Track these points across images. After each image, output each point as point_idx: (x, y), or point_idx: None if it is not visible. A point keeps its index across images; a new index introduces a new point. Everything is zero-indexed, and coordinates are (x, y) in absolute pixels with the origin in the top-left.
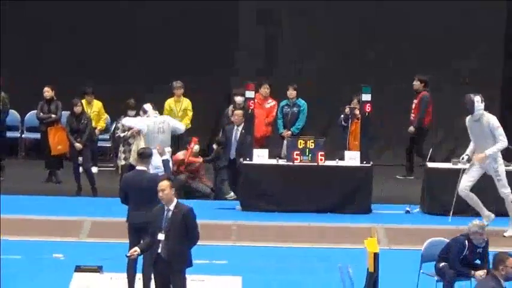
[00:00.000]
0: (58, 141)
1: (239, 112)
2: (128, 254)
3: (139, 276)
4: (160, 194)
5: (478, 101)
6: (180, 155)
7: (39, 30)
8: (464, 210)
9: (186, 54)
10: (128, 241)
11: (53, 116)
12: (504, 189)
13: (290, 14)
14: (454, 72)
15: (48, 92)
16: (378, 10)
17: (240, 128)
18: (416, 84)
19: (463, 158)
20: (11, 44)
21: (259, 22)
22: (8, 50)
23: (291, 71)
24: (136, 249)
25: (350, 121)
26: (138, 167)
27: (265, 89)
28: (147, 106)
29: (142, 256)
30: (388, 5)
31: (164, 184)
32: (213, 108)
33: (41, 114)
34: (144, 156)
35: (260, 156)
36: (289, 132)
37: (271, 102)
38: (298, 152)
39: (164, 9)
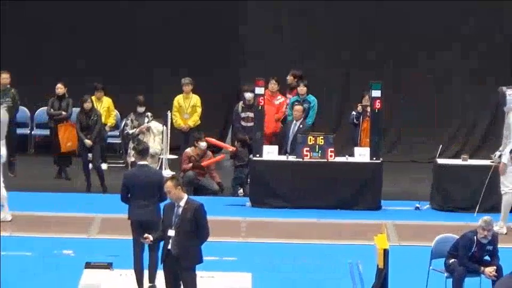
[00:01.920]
0: (68, 139)
1: (299, 108)
2: (144, 236)
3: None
4: (168, 195)
5: (510, 94)
6: (189, 151)
7: (39, 30)
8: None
9: (186, 54)
10: (132, 238)
11: (63, 113)
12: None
13: (290, 14)
14: (456, 71)
15: (60, 89)
16: (378, 10)
17: (298, 123)
18: (290, 79)
19: (495, 155)
20: (11, 44)
21: (260, 22)
22: (8, 50)
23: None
24: (149, 236)
25: (362, 119)
26: (139, 162)
27: (272, 85)
28: None
29: (148, 253)
30: (388, 5)
31: (168, 186)
32: (210, 107)
33: (51, 110)
34: (144, 151)
35: (270, 153)
36: None
37: (280, 99)
38: (308, 149)
39: (164, 9)
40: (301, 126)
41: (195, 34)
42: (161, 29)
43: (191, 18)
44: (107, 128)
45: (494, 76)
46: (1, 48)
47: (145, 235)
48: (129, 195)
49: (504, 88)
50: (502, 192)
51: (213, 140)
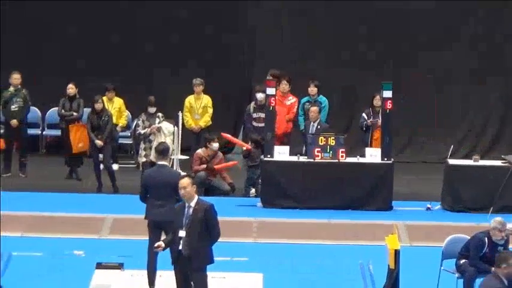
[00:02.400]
0: (79, 139)
1: (315, 109)
2: (156, 245)
3: (160, 274)
4: (182, 191)
5: None
6: (201, 152)
7: (39, 30)
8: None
9: (186, 54)
10: (148, 238)
11: (75, 113)
12: None
13: (290, 14)
14: (456, 71)
15: (72, 89)
16: (378, 10)
17: (315, 124)
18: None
19: None
20: (11, 44)
21: (260, 22)
22: (8, 50)
23: (291, 71)
24: (161, 244)
25: (371, 131)
26: (159, 162)
27: (283, 85)
28: None
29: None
30: (388, 5)
31: (185, 182)
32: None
33: (63, 111)
34: (164, 151)
35: (281, 153)
36: None
37: (291, 99)
38: (319, 149)
39: (164, 9)
40: (318, 127)
41: (195, 34)
42: (161, 29)
43: (191, 18)
44: (118, 129)
45: (494, 76)
46: (1, 48)
47: (157, 244)
48: (147, 196)
49: None
50: None
51: (228, 136)
